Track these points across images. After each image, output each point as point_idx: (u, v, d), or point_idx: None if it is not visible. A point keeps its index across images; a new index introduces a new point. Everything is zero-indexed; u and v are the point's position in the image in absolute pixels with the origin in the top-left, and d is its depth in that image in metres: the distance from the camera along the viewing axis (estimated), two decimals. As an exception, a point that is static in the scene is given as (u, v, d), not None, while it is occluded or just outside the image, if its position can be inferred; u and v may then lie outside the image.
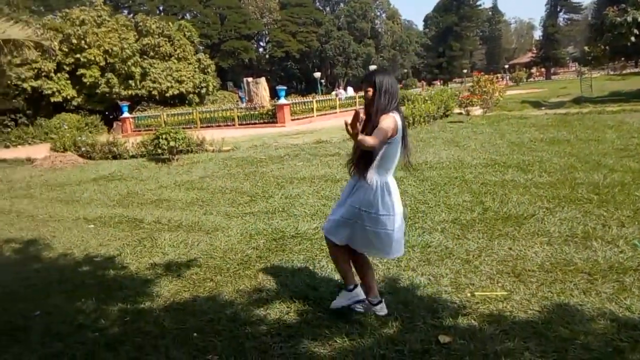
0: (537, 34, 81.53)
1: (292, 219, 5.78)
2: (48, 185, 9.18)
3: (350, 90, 31.79)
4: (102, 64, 31.41)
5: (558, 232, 4.60)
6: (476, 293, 3.52)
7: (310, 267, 4.19)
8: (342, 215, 3.07)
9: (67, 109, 30.46)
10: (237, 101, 32.44)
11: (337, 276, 3.94)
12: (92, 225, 6.23)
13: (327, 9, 78.80)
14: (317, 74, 41.16)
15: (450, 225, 5.09)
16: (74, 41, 30.26)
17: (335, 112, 23.41)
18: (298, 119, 20.55)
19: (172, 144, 10.53)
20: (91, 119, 29.16)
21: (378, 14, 77.92)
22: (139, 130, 23.24)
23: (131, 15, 49.60)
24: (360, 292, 3.23)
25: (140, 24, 34.83)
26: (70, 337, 3.24)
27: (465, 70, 65.13)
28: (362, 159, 2.98)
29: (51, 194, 8.37)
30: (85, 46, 30.63)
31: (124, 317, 3.52)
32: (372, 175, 3.00)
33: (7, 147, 23.22)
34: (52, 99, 30.05)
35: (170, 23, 37.70)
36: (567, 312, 3.12)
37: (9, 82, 28.47)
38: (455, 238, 4.69)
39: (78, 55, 30.55)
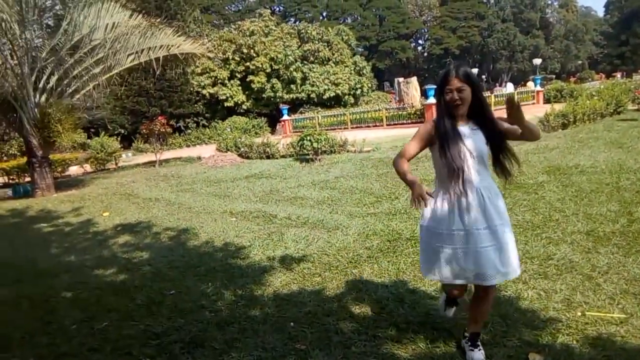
0: None
1: (411, 221, 5.79)
2: (208, 181, 10.46)
3: (510, 86, 29.83)
4: (268, 70, 34.13)
5: None
6: (588, 312, 3.21)
7: (415, 271, 4.20)
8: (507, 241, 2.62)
9: (237, 112, 33.82)
10: (390, 101, 32.65)
11: (435, 283, 3.89)
12: (234, 219, 6.97)
13: (491, 0, 74.66)
14: (474, 71, 39.36)
15: (582, 237, 4.63)
16: (245, 50, 33.44)
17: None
18: (448, 118, 20.02)
19: (315, 145, 11.17)
20: (257, 121, 31.95)
21: (549, 2, 71.53)
22: (297, 131, 24.84)
23: (297, 22, 53.10)
24: None
25: (302, 31, 37.15)
26: (191, 314, 3.76)
27: (655, 60, 56.42)
28: (506, 156, 2.70)
29: (209, 189, 9.54)
30: (254, 54, 33.63)
31: (238, 301, 3.95)
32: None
33: (188, 146, 26.68)
34: (226, 104, 33.62)
35: (329, 29, 39.49)
36: (693, 345, 2.70)
37: (191, 89, 32.72)
38: (584, 251, 4.27)
39: (248, 64, 33.69)
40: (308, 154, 11.53)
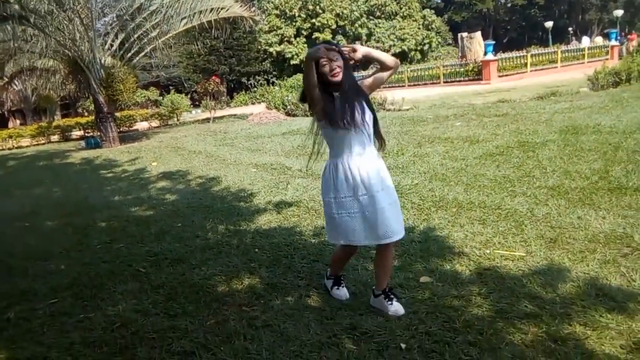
0: None
1: (402, 175, 6.37)
2: (248, 137, 11.43)
3: (585, 40, 27.99)
4: (334, 27, 34.38)
5: (653, 208, 4.23)
6: (495, 251, 3.75)
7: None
8: None
9: (303, 71, 34.57)
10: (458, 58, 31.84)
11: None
12: (255, 170, 7.88)
13: (585, -57, 68.11)
14: (549, 24, 37.00)
15: (543, 191, 5.03)
16: (310, 7, 33.81)
17: (556, 67, 21.33)
18: (507, 75, 19.56)
19: (350, 103, 11.70)
20: (320, 79, 32.58)
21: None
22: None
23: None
24: None
25: (370, -16, 36.67)
26: (186, 240, 4.72)
27: None
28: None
29: (246, 144, 10.50)
30: (320, 11, 33.93)
31: (226, 233, 4.85)
32: None
33: (252, 103, 27.93)
34: (292, 62, 34.43)
35: (398, -20, 38.61)
36: (559, 275, 3.20)
37: (259, 47, 33.74)
38: (534, 203, 4.69)
39: (313, 20, 34.10)
40: (346, 112, 12.09)
